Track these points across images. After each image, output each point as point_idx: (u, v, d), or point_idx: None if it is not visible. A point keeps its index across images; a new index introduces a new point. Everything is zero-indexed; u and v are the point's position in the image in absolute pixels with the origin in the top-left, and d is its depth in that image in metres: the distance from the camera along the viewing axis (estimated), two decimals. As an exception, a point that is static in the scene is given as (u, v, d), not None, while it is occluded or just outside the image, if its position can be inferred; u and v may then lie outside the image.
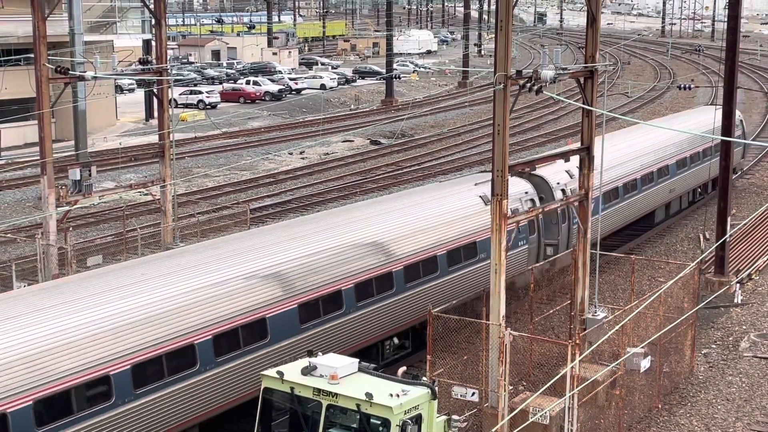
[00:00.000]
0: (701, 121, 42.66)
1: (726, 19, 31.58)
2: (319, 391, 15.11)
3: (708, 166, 42.52)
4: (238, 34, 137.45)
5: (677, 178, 40.18)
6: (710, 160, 42.20)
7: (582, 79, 22.16)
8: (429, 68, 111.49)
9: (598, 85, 22.54)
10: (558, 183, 30.92)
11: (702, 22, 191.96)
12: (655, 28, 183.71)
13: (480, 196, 28.29)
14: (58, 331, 17.61)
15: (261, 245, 22.75)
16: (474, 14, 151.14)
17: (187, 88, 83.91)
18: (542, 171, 30.20)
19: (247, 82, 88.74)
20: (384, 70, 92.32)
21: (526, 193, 29.86)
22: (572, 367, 18.92)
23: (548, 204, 24.41)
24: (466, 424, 18.65)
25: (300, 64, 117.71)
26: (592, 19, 21.96)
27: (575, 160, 27.99)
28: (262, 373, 16.05)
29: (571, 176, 30.36)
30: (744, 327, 28.01)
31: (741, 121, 47.12)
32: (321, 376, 15.33)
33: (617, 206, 34.99)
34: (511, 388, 20.23)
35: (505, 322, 20.00)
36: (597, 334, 21.12)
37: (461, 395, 20.00)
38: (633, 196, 36.40)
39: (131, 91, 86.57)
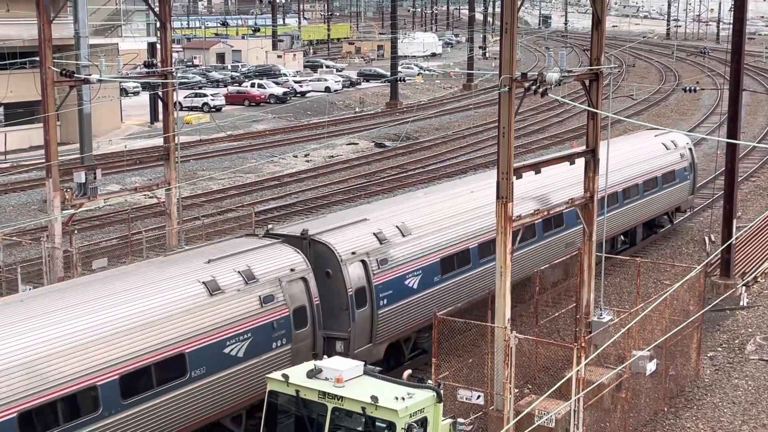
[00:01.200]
0: (639, 149, 36.21)
1: (732, 22, 31.53)
2: (324, 394, 15.11)
3: (631, 210, 34.60)
4: (242, 37, 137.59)
5: (576, 229, 28.51)
6: (637, 201, 34.78)
7: (587, 82, 22.14)
8: (434, 71, 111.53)
9: (603, 87, 22.51)
10: (353, 253, 22.77)
11: (708, 24, 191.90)
12: (660, 30, 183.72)
13: (204, 282, 19.93)
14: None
15: None
16: (479, 17, 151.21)
17: (192, 91, 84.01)
18: (332, 236, 23.03)
19: (252, 85, 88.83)
20: (389, 73, 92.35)
21: (292, 270, 21.46)
22: (578, 370, 18.89)
23: (553, 207, 24.17)
24: (471, 427, 18.65)
25: (305, 66, 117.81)
26: (597, 22, 21.95)
27: (392, 219, 25.04)
28: (267, 375, 16.06)
29: (381, 241, 23.75)
30: (750, 330, 27.95)
31: (690, 149, 39.18)
32: (326, 379, 15.33)
33: (470, 273, 26.19)
34: (516, 391, 20.20)
35: (510, 325, 19.98)
36: (603, 337, 21.10)
37: (467, 398, 19.98)
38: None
39: (136, 94, 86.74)
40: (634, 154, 35.33)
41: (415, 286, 24.20)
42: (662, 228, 39.27)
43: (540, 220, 23.98)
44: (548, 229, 29.29)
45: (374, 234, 23.86)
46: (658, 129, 39.39)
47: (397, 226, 24.57)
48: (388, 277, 23.48)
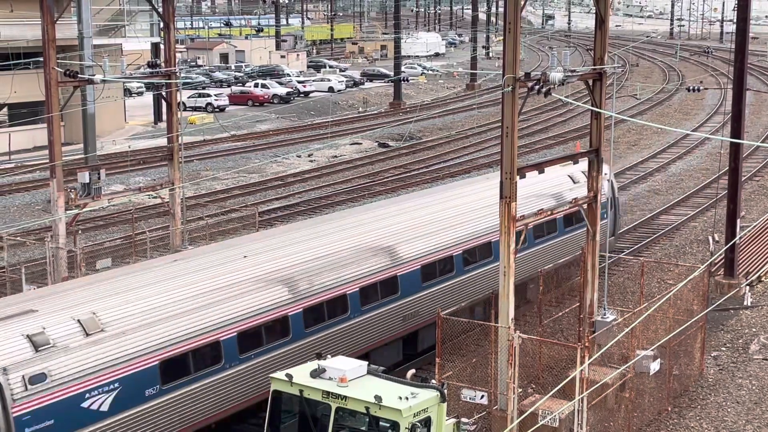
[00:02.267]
0: (533, 183, 25.83)
1: (735, 21, 31.52)
2: (328, 393, 15.13)
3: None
4: (246, 37, 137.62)
5: (367, 317, 22.96)
6: (523, 251, 25.90)
7: (590, 82, 22.14)
8: (437, 71, 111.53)
9: (607, 87, 22.52)
10: None
11: (711, 24, 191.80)
12: (664, 30, 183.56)
13: None
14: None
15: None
16: (482, 16, 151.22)
17: (196, 91, 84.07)
18: None
19: (256, 85, 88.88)
20: (392, 73, 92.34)
21: None
22: (582, 370, 18.89)
23: (557, 206, 24.20)
24: (475, 427, 18.62)
25: (308, 66, 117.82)
26: (601, 21, 21.95)
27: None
28: (270, 375, 16.08)
29: (39, 347, 17.04)
30: (754, 329, 27.94)
31: (610, 182, 32.00)
32: (330, 378, 15.35)
33: (220, 374, 19.62)
34: (520, 390, 20.21)
35: (513, 324, 19.98)
36: (606, 337, 21.10)
37: (470, 398, 19.98)
38: (281, 347, 20.89)
39: (140, 94, 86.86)
40: (523, 191, 24.12)
41: (105, 408, 17.47)
42: (569, 280, 30.29)
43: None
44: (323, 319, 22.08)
45: (27, 336, 16.96)
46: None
47: (79, 321, 17.81)
48: (48, 399, 16.68)
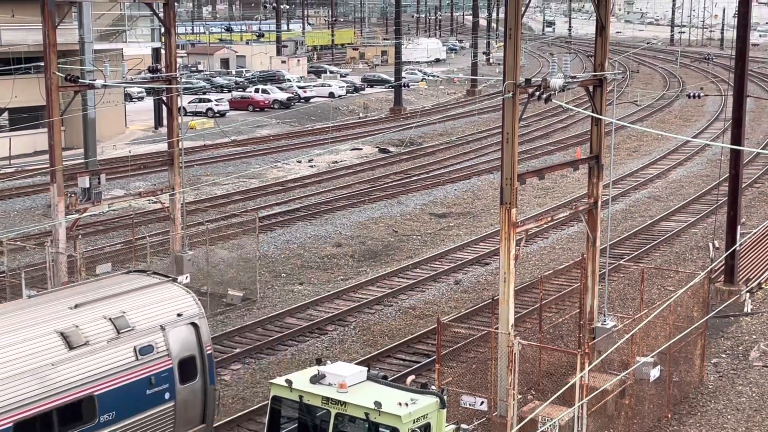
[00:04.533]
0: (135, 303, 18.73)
1: (735, 28, 31.55)
2: (327, 399, 15.11)
3: None
4: (247, 43, 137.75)
5: None
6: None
7: (591, 88, 22.16)
8: (437, 76, 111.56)
9: (607, 93, 22.53)
10: None
11: (711, 30, 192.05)
12: (664, 36, 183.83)
13: None
14: None
15: None
16: (482, 22, 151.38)
17: (196, 96, 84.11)
18: None
19: (256, 90, 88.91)
20: (392, 79, 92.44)
21: None
22: (581, 377, 18.88)
23: (557, 211, 24.22)
24: (474, 433, 18.63)
25: (309, 72, 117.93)
26: (601, 28, 21.97)
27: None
28: (270, 381, 16.06)
29: None
30: (754, 336, 27.90)
31: (193, 325, 19.21)
32: (330, 384, 15.32)
33: None
34: (520, 397, 20.19)
35: (513, 330, 19.97)
36: (606, 343, 21.08)
37: (470, 404, 19.96)
38: None
39: (140, 99, 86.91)
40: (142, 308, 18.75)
41: None
42: None
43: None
44: None
45: None
46: None
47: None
48: None
